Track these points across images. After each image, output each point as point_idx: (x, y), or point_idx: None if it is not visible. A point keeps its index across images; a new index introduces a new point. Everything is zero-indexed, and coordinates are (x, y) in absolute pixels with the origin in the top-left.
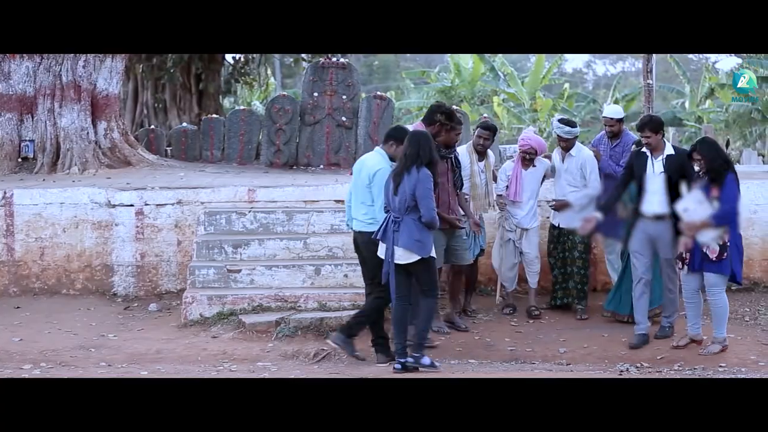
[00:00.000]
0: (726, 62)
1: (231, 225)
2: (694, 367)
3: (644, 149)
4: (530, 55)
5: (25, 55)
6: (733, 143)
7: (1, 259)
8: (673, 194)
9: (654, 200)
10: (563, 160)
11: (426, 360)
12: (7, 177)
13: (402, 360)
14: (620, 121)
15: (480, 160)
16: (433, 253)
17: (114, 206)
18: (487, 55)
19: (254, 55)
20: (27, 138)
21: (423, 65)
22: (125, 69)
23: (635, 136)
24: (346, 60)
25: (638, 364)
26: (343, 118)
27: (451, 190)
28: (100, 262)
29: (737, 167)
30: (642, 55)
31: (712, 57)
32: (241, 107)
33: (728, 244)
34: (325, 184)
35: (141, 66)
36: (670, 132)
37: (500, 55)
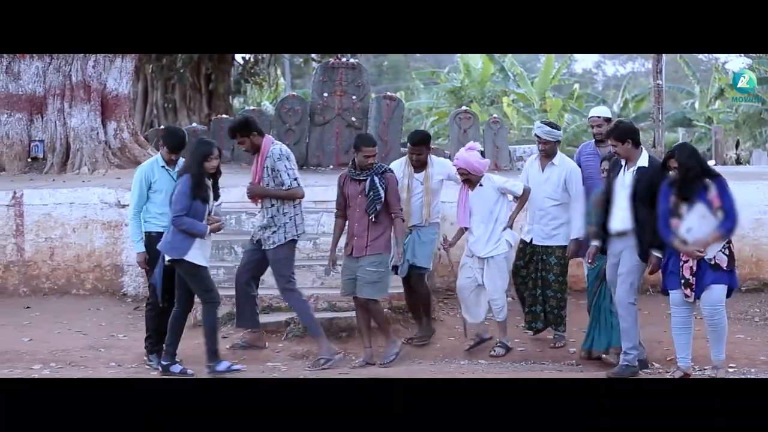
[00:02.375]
0: (736, 62)
1: (241, 225)
2: (704, 367)
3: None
4: (540, 56)
5: (34, 55)
6: (743, 144)
7: (11, 259)
8: (639, 210)
9: (618, 216)
10: (543, 170)
11: (221, 366)
12: (17, 177)
13: (164, 362)
14: (609, 120)
15: (419, 171)
16: (196, 260)
17: (124, 206)
18: (496, 56)
19: (264, 55)
20: (37, 138)
21: (433, 65)
22: (135, 69)
23: None
24: (356, 60)
25: (650, 364)
26: (353, 119)
27: (358, 215)
28: (110, 262)
29: (747, 168)
30: (651, 55)
31: (722, 57)
32: (251, 107)
33: (734, 251)
34: (335, 184)
35: (151, 66)
36: (680, 132)
37: (510, 55)
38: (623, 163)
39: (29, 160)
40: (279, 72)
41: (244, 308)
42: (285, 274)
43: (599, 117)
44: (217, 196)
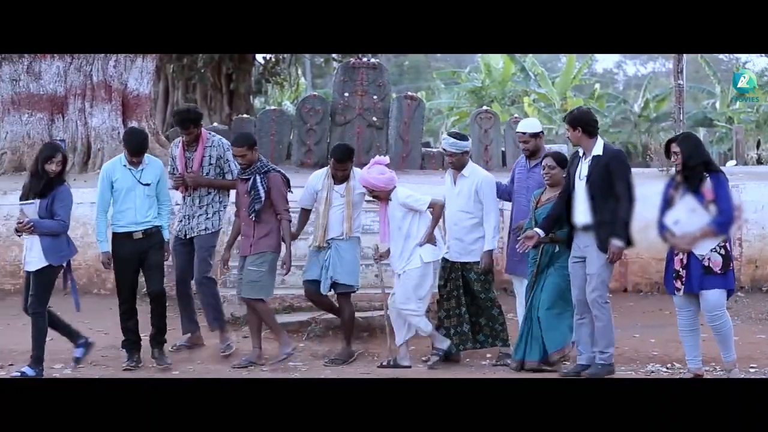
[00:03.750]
0: (757, 62)
1: None
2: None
3: (579, 150)
4: (561, 56)
5: (55, 55)
6: (764, 143)
7: None
8: (596, 200)
9: (579, 209)
10: (455, 183)
11: (27, 370)
12: None
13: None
14: (536, 136)
15: (338, 183)
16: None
17: None
18: (517, 56)
19: (285, 55)
20: (58, 138)
21: (454, 65)
22: (156, 69)
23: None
24: (377, 60)
25: (669, 365)
26: (374, 118)
27: (244, 215)
28: None
29: (766, 168)
30: (672, 55)
31: (743, 57)
32: (272, 107)
33: (731, 252)
34: None
35: (172, 66)
36: (701, 132)
37: (531, 55)
38: (581, 154)
39: None
40: (300, 72)
41: (188, 312)
42: (210, 263)
43: (524, 133)
44: (42, 195)
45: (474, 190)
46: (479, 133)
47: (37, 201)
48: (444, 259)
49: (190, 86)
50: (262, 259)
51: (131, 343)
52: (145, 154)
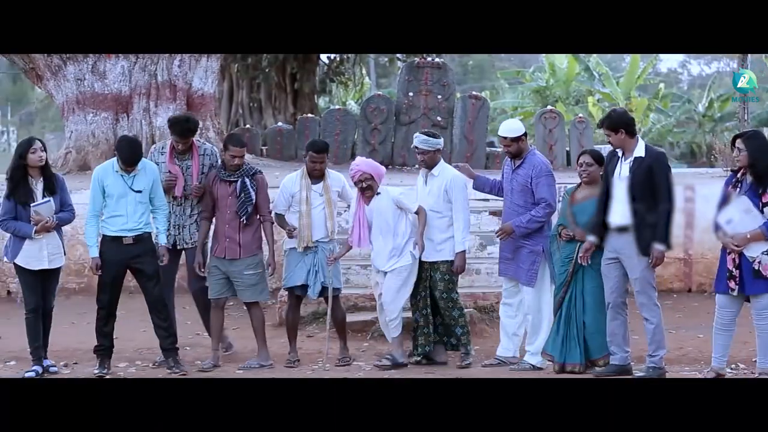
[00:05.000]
0: None
1: None
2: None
3: (617, 150)
4: (625, 55)
5: (120, 54)
6: None
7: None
8: (638, 203)
9: (617, 209)
10: (426, 182)
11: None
12: None
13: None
14: (517, 140)
15: (316, 182)
16: (23, 263)
17: None
18: (581, 55)
19: (349, 54)
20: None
21: (518, 65)
22: (220, 68)
23: (540, 156)
24: (441, 60)
25: (733, 365)
26: (439, 118)
27: (229, 217)
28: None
29: None
30: (737, 55)
31: None
32: (336, 107)
33: None
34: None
35: (236, 65)
36: (766, 133)
37: (595, 54)
38: (620, 154)
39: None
40: (364, 71)
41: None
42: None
43: (506, 138)
44: (52, 192)
45: (444, 189)
46: (544, 132)
47: (50, 199)
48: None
49: (255, 86)
50: (256, 261)
51: (105, 350)
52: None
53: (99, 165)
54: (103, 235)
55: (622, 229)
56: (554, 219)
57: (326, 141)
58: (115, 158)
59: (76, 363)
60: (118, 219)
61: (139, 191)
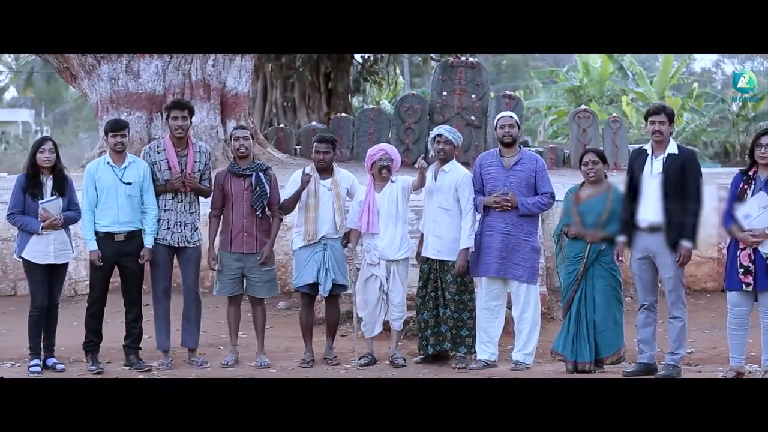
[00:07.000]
0: None
1: None
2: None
3: (645, 147)
4: (659, 55)
5: (154, 54)
6: None
7: None
8: (670, 200)
9: (649, 207)
10: (435, 178)
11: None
12: None
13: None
14: (518, 124)
15: (325, 177)
16: (30, 257)
17: None
18: (615, 55)
19: (383, 54)
20: (156, 136)
21: (551, 64)
22: (254, 68)
23: (532, 152)
24: (475, 59)
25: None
26: (473, 117)
27: (246, 210)
28: None
29: None
30: None
31: None
32: (370, 106)
33: None
34: None
35: (270, 65)
36: None
37: (629, 54)
38: (649, 152)
39: None
40: (398, 71)
41: (168, 323)
42: (199, 276)
43: (512, 117)
44: (61, 192)
45: (454, 187)
46: (577, 132)
47: (58, 197)
48: (425, 259)
49: (289, 85)
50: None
51: (94, 345)
52: (130, 154)
53: (90, 162)
54: (96, 232)
55: (653, 228)
56: (555, 219)
57: (334, 137)
58: (107, 153)
59: (109, 362)
60: (109, 212)
61: (129, 183)
